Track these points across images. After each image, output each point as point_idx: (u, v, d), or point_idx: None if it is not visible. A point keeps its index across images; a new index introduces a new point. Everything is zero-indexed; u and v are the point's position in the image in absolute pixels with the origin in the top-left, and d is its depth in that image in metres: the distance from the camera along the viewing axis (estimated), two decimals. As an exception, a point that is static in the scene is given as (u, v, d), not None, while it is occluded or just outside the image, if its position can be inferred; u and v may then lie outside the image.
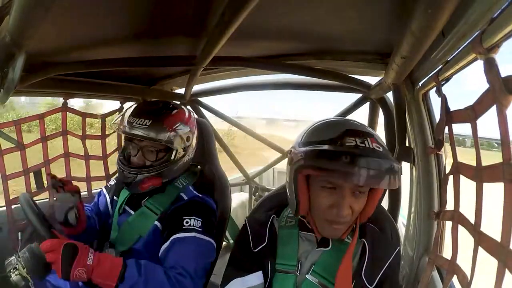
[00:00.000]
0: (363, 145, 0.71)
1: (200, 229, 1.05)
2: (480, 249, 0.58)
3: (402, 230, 1.35)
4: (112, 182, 1.34)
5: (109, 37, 0.99)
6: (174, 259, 0.99)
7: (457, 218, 0.72)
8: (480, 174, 0.58)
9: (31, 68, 1.07)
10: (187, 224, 1.04)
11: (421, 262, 0.98)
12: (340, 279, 0.78)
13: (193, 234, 1.03)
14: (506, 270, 0.48)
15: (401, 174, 0.73)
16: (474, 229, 0.61)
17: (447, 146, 0.85)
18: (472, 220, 0.62)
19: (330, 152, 0.70)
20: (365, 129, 0.77)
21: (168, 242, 1.03)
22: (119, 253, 1.13)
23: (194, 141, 1.20)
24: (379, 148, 0.72)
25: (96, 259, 0.89)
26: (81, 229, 1.13)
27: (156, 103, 1.22)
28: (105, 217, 1.29)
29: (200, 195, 1.18)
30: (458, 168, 0.71)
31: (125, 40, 1.04)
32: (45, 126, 1.49)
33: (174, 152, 1.12)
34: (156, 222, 1.12)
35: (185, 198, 1.15)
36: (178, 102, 1.37)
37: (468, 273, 0.63)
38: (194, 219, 1.06)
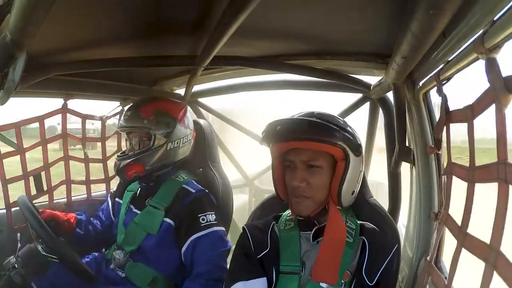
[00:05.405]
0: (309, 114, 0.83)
1: (216, 222, 1.11)
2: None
3: (402, 232, 1.35)
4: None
5: (110, 37, 0.99)
6: (203, 259, 1.06)
7: (445, 219, 0.72)
8: (473, 174, 0.58)
9: (31, 68, 1.06)
10: (204, 221, 1.09)
11: (420, 263, 0.97)
12: (318, 266, 0.80)
13: (210, 229, 1.09)
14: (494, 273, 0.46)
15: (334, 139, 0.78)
16: (459, 230, 0.60)
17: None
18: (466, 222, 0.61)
19: (278, 120, 0.82)
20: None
21: (188, 243, 1.07)
22: (127, 253, 1.13)
23: (180, 129, 1.20)
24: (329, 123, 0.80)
25: None
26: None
27: (145, 97, 1.28)
28: (108, 222, 1.31)
29: (205, 190, 1.21)
30: (451, 169, 0.71)
31: (126, 40, 1.03)
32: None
33: (153, 138, 1.15)
34: (167, 219, 1.13)
35: (192, 190, 1.16)
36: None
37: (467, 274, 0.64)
38: (209, 214, 1.11)
